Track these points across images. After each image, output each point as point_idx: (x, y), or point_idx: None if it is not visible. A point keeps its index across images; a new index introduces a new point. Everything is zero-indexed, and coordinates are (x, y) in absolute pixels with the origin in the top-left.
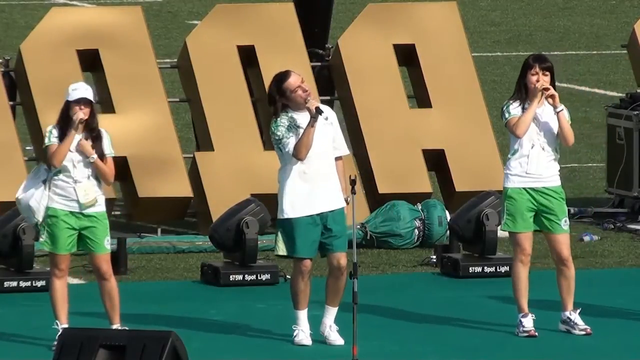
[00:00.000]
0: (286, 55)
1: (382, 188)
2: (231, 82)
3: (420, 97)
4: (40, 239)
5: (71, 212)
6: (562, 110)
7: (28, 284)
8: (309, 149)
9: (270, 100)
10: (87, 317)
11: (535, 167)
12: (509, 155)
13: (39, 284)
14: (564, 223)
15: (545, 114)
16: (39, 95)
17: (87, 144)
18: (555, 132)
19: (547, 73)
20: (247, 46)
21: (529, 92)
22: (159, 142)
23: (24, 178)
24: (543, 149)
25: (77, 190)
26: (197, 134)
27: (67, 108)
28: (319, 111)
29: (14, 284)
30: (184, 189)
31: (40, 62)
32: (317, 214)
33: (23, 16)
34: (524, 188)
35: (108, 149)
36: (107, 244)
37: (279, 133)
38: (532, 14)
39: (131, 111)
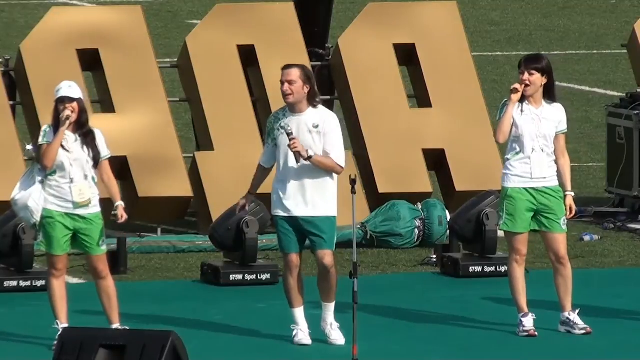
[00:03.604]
0: (286, 55)
1: (382, 188)
2: (231, 82)
3: (420, 96)
4: (39, 239)
5: (66, 214)
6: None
7: (28, 283)
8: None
9: None
10: (87, 317)
11: (539, 170)
12: (508, 156)
13: (39, 283)
14: (563, 222)
15: (544, 116)
16: (39, 95)
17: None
18: (553, 134)
19: (533, 72)
20: (247, 46)
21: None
22: (159, 142)
23: None
24: (542, 150)
25: (73, 190)
26: (197, 134)
27: (56, 108)
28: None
29: (14, 283)
30: (184, 189)
31: (40, 61)
32: (291, 217)
33: (23, 16)
34: (525, 188)
35: (105, 150)
36: (102, 244)
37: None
38: (532, 14)
39: (131, 111)
